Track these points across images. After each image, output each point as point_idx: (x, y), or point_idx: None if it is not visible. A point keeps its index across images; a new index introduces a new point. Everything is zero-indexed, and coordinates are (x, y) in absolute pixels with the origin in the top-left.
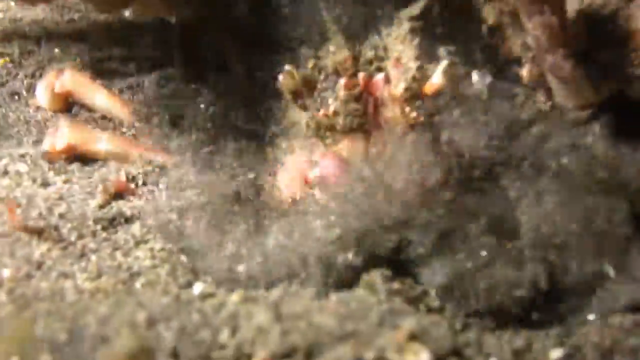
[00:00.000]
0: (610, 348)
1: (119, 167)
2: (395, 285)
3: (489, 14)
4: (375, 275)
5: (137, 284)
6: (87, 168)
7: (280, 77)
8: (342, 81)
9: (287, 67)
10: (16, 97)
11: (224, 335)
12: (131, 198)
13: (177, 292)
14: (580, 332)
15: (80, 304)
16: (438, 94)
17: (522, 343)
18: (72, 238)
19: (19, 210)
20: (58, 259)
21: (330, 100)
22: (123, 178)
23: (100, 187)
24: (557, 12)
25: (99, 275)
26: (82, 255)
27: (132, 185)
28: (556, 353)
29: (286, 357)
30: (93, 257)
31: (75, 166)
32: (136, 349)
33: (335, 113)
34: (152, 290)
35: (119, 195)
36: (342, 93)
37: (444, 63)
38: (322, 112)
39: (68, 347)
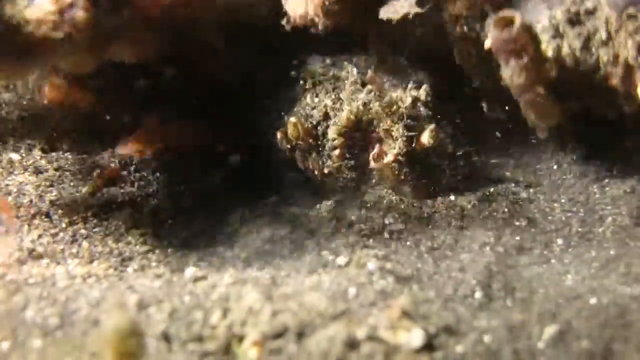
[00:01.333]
0: None
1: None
2: (387, 264)
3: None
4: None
5: (129, 269)
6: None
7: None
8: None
9: (292, 119)
10: None
11: (215, 317)
12: (122, 185)
13: (168, 276)
14: None
15: (72, 288)
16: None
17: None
18: (63, 224)
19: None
20: (49, 245)
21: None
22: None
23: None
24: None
25: (90, 261)
26: (74, 241)
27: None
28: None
29: (277, 337)
30: (84, 243)
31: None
32: (126, 330)
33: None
34: (144, 274)
35: (111, 181)
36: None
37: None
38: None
39: (59, 330)
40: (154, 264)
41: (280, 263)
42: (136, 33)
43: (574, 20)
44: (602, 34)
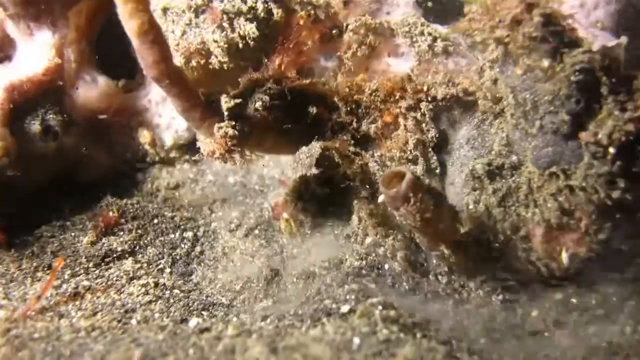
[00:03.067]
0: None
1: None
2: (392, 313)
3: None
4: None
5: (133, 321)
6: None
7: None
8: None
9: None
10: None
11: None
12: (121, 233)
13: (172, 328)
14: None
15: (76, 342)
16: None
17: None
18: (66, 276)
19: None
20: (53, 297)
21: None
22: (112, 213)
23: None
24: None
25: (94, 313)
26: (77, 293)
27: (122, 220)
28: None
29: None
30: (87, 295)
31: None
32: None
33: None
34: (148, 326)
35: (110, 230)
36: None
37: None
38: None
39: None
40: (157, 315)
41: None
42: None
43: (495, 174)
44: (524, 192)
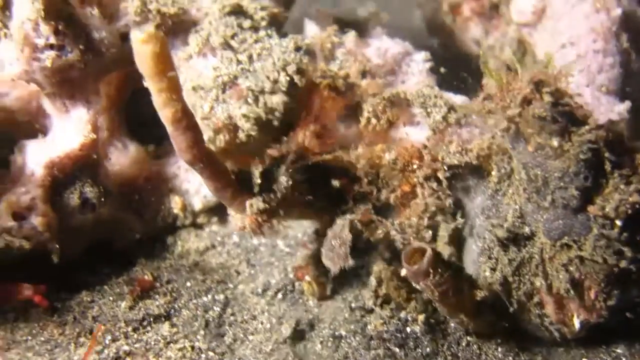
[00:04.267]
0: None
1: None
2: None
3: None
4: None
5: None
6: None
7: None
8: None
9: None
10: None
11: None
12: (156, 296)
13: None
14: None
15: None
16: None
17: None
18: (107, 341)
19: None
20: None
21: None
22: (147, 277)
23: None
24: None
25: None
26: (117, 358)
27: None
28: None
29: None
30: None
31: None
32: None
33: None
34: None
35: (145, 294)
36: None
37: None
38: None
39: None
40: None
41: None
42: None
43: (510, 244)
44: (537, 262)
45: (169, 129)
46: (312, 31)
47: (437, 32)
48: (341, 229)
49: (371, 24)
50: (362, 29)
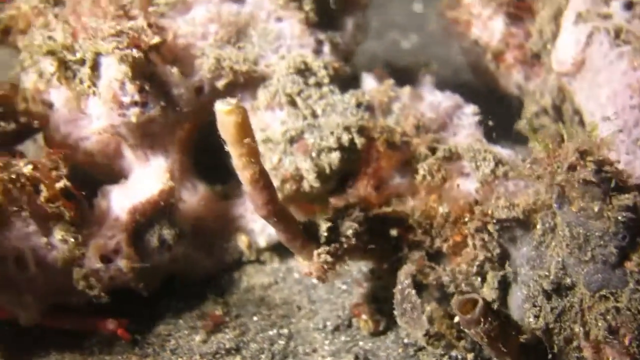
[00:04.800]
0: None
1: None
2: None
3: None
4: None
5: None
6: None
7: None
8: None
9: None
10: None
11: None
12: (227, 330)
13: None
14: None
15: None
16: None
17: None
18: None
19: None
20: None
21: None
22: (217, 312)
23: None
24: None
25: None
26: None
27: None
28: None
29: None
30: None
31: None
32: None
33: None
34: None
35: (217, 328)
36: None
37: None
38: None
39: None
40: None
41: None
42: None
43: (552, 294)
44: (576, 310)
45: (247, 188)
46: (369, 85)
47: (480, 76)
48: (408, 290)
49: (421, 73)
50: (412, 76)
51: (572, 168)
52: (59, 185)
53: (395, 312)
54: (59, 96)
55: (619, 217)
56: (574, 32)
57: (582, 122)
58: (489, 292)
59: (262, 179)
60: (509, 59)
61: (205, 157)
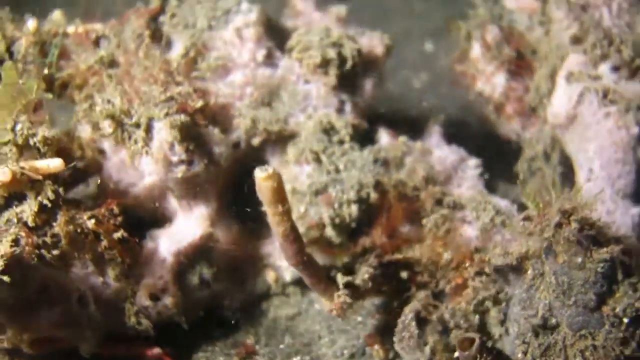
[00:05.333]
0: None
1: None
2: None
3: None
4: None
5: None
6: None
7: None
8: None
9: None
10: None
11: None
12: (257, 358)
13: None
14: None
15: None
16: None
17: None
18: None
19: None
20: None
21: None
22: (249, 340)
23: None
24: None
25: None
26: None
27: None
28: None
29: None
30: None
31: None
32: None
33: None
34: None
35: (249, 355)
36: None
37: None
38: None
39: None
40: None
41: None
42: None
43: (540, 332)
44: (560, 347)
45: (279, 240)
46: (385, 140)
47: (483, 123)
48: (409, 322)
49: (430, 123)
50: (419, 126)
51: (558, 226)
52: (117, 235)
53: (394, 339)
54: (110, 145)
55: (598, 269)
56: (567, 90)
57: (565, 169)
58: (493, 329)
59: (293, 234)
60: (509, 110)
61: (238, 198)
